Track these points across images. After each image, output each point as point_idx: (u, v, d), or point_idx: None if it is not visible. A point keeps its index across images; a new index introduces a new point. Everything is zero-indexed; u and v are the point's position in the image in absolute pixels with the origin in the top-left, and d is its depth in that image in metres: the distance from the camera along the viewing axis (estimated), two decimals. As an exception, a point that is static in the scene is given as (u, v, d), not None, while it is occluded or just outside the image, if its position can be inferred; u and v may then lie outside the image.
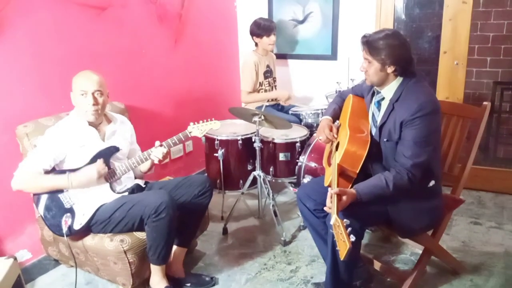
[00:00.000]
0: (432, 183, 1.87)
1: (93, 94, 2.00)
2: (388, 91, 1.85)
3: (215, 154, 2.81)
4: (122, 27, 2.71)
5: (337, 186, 1.69)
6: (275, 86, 3.57)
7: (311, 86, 3.74)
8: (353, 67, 3.03)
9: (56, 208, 1.99)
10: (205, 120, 2.21)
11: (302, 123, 3.16)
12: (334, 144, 1.99)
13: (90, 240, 2.02)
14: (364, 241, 2.35)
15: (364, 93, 2.09)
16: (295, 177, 2.81)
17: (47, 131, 2.04)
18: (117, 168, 2.08)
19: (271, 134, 2.89)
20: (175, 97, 3.23)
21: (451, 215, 2.15)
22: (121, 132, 2.21)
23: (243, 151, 2.86)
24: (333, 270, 1.83)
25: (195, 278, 2.26)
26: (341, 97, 2.24)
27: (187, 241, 2.28)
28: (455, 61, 3.09)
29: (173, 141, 2.11)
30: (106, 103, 2.10)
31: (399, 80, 1.82)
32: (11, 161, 2.07)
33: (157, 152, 2.08)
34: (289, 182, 3.12)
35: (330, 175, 1.80)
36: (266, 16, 3.68)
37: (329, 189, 1.70)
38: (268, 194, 2.71)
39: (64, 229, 1.95)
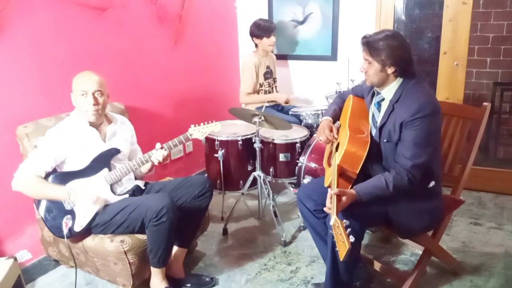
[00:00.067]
0: (432, 183, 1.87)
1: (93, 94, 2.00)
2: (388, 92, 1.85)
3: (215, 155, 2.81)
4: (122, 28, 2.71)
5: (337, 187, 1.69)
6: (275, 87, 3.57)
7: (311, 87, 3.74)
8: (353, 67, 3.03)
9: (57, 209, 1.99)
10: (206, 122, 2.21)
11: (302, 124, 3.15)
12: (334, 145, 1.99)
13: (91, 241, 2.02)
14: (364, 241, 2.34)
15: (364, 93, 2.09)
16: (295, 177, 2.81)
17: (48, 132, 2.03)
18: (118, 170, 2.07)
19: (271, 134, 2.89)
20: (175, 97, 3.23)
21: (451, 215, 2.15)
22: (122, 133, 2.21)
23: (243, 152, 2.86)
24: (333, 271, 1.83)
25: (195, 279, 2.26)
26: (341, 98, 2.24)
27: (187, 242, 2.28)
28: (455, 62, 3.08)
29: (174, 143, 2.11)
30: (107, 104, 2.11)
31: (399, 81, 1.82)
32: (11, 161, 2.07)
33: (157, 154, 2.07)
34: (289, 183, 3.12)
35: (330, 176, 1.80)
36: (266, 17, 3.68)
37: (329, 189, 1.70)
38: (268, 195, 2.71)
39: (65, 231, 1.94)
